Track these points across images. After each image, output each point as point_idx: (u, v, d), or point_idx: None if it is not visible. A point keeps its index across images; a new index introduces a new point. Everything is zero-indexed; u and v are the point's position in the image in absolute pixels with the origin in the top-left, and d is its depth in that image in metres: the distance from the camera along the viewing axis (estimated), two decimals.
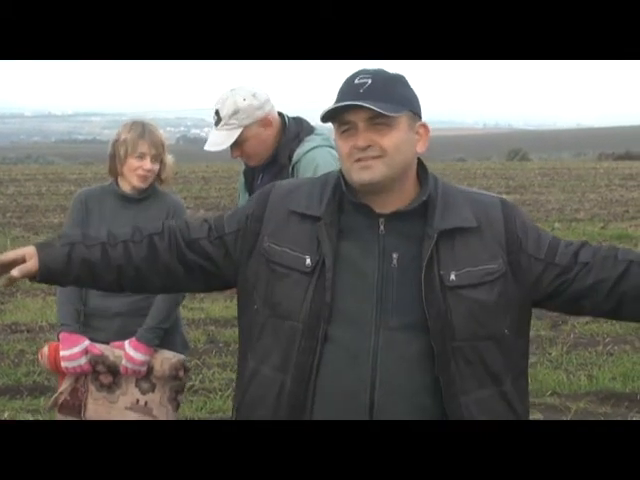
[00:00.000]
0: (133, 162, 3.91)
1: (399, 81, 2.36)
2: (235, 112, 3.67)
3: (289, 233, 2.39)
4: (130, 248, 2.47)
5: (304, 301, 2.32)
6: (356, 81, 2.32)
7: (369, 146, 2.30)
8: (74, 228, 3.86)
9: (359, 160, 2.31)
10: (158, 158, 3.94)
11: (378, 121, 2.29)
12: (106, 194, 4.02)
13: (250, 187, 3.91)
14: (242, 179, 3.98)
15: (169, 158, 4.01)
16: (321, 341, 2.30)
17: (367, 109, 2.27)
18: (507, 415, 2.37)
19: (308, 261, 2.34)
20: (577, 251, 2.40)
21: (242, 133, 3.69)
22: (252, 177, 3.91)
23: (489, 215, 2.39)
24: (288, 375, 2.33)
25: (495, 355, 2.35)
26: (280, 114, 3.82)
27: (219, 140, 3.72)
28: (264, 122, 3.73)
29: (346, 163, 2.34)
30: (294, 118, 3.86)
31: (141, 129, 3.93)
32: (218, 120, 3.71)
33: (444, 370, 2.29)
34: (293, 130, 3.79)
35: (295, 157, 3.72)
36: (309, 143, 3.72)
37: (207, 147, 3.78)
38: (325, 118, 2.35)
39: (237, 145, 3.72)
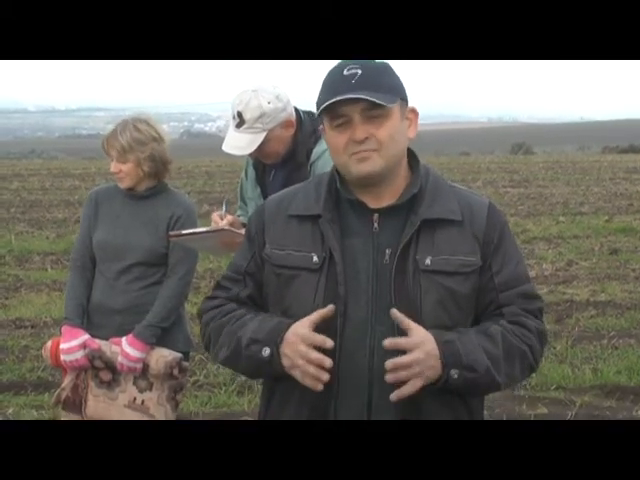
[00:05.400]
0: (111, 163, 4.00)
1: (387, 70, 2.35)
2: (260, 116, 3.61)
3: (290, 236, 2.37)
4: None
5: (316, 298, 2.30)
6: (345, 72, 2.29)
7: (366, 138, 2.28)
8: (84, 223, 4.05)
9: (356, 153, 2.29)
10: (125, 159, 3.94)
11: (374, 112, 2.28)
12: (117, 191, 4.07)
13: (261, 181, 3.88)
14: (252, 172, 3.92)
15: (156, 154, 3.96)
16: (339, 335, 2.28)
17: (362, 101, 2.25)
18: (462, 412, 2.36)
19: (315, 258, 2.32)
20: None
21: (265, 136, 3.63)
22: (262, 170, 3.87)
23: (474, 211, 2.39)
24: None
25: None
26: (295, 109, 3.76)
27: (242, 144, 3.65)
28: (286, 124, 3.68)
29: (342, 157, 2.32)
30: (307, 113, 3.80)
31: (113, 131, 3.97)
32: (240, 122, 3.63)
33: None
34: (308, 126, 3.73)
35: (313, 155, 3.68)
36: None
37: (228, 150, 3.69)
38: (320, 111, 2.32)
39: (257, 147, 3.66)
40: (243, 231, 3.67)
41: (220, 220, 3.72)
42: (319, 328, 2.27)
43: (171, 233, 3.79)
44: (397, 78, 2.36)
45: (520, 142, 46.83)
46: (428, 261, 2.30)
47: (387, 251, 2.31)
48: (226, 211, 3.81)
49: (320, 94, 2.32)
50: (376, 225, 2.34)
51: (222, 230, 3.68)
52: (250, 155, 3.75)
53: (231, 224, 3.72)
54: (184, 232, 3.73)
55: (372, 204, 2.36)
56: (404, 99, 2.35)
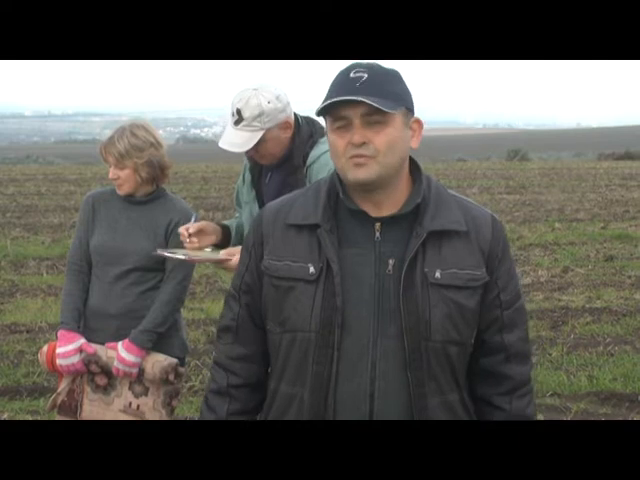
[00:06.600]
0: (109, 170, 3.99)
1: (394, 77, 2.32)
2: (260, 114, 3.60)
3: (288, 246, 2.35)
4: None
5: (313, 310, 2.28)
6: (351, 75, 2.27)
7: (364, 143, 2.26)
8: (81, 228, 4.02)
9: (353, 157, 2.27)
10: (123, 165, 3.93)
11: (374, 118, 2.25)
12: (114, 196, 4.05)
13: (257, 184, 3.88)
14: (248, 176, 3.91)
15: (154, 159, 3.96)
16: (336, 348, 2.27)
17: (364, 104, 2.23)
18: (461, 414, 2.37)
19: (312, 269, 2.30)
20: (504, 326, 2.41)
21: (262, 135, 3.63)
22: (259, 174, 3.88)
23: (478, 224, 2.37)
24: (305, 388, 2.30)
25: (460, 362, 2.35)
26: (293, 114, 3.76)
27: (239, 141, 3.64)
28: (284, 125, 3.68)
29: (341, 160, 2.30)
30: (305, 118, 3.80)
31: (110, 137, 3.96)
32: (239, 119, 3.63)
33: (415, 369, 2.27)
34: (306, 131, 3.74)
35: (310, 159, 3.68)
36: (323, 145, 3.65)
37: (225, 146, 3.69)
38: (320, 112, 2.31)
39: (254, 146, 3.65)
40: (221, 252, 3.70)
41: (186, 232, 3.72)
42: (316, 341, 2.27)
43: (159, 251, 3.79)
44: (404, 86, 2.33)
45: (516, 148, 46.87)
46: (438, 274, 2.28)
47: (390, 261, 2.29)
48: (195, 222, 3.81)
49: (326, 95, 2.31)
50: (378, 234, 2.32)
51: (197, 260, 3.73)
52: (246, 154, 3.76)
53: (201, 230, 3.73)
54: (166, 254, 3.76)
55: (373, 213, 2.33)
56: (409, 108, 2.32)
